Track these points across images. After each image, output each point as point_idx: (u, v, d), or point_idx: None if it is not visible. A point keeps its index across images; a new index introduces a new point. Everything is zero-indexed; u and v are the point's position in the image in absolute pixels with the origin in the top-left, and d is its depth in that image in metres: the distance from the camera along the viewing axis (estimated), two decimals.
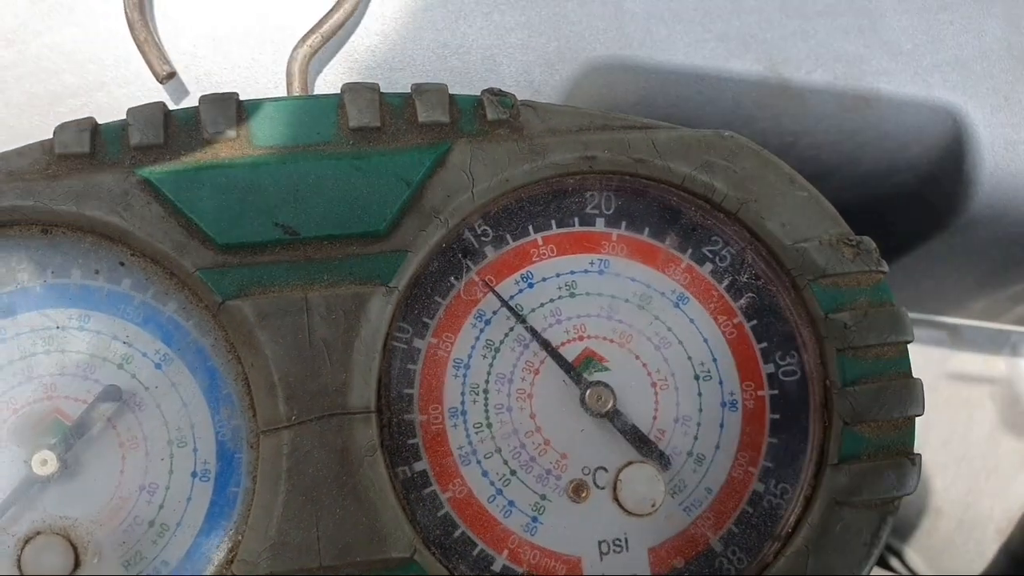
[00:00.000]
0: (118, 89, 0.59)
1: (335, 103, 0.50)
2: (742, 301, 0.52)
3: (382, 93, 0.50)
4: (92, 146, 0.48)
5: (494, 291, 0.50)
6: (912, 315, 0.52)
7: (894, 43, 0.64)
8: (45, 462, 0.47)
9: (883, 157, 0.67)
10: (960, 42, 0.65)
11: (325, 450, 0.46)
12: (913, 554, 1.00)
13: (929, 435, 0.80)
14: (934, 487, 0.94)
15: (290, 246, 0.48)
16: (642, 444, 0.50)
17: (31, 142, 0.48)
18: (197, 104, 0.49)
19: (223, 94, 0.49)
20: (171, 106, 0.53)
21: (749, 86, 0.62)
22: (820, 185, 0.52)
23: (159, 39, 0.56)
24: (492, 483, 0.49)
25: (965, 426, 0.94)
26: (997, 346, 0.90)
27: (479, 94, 0.51)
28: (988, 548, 0.96)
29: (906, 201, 0.71)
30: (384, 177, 0.49)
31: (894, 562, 1.05)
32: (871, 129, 0.64)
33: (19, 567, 0.46)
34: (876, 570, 1.12)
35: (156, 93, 0.58)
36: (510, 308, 0.50)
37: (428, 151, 0.49)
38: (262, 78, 0.58)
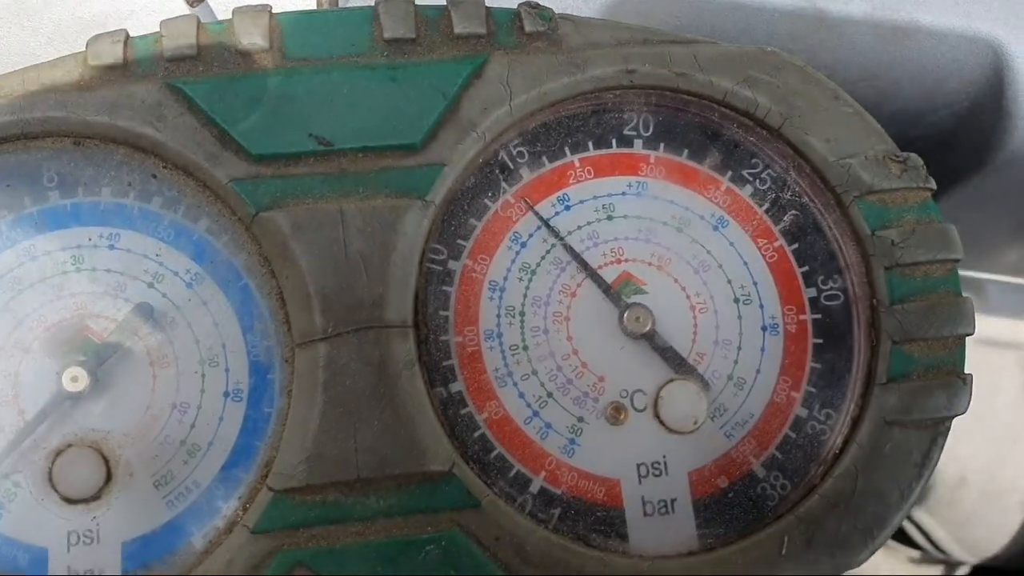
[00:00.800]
0: (147, 17, 0.58)
1: (369, 15, 0.49)
2: (783, 223, 0.51)
3: (417, 5, 0.49)
4: (125, 57, 0.47)
5: (533, 209, 0.50)
6: None
7: None
8: (75, 378, 0.47)
9: (920, 93, 0.66)
10: None
11: (362, 362, 0.45)
12: (934, 524, 0.99)
13: None
14: (958, 454, 0.92)
15: (325, 157, 0.47)
16: (680, 365, 0.49)
17: None
18: (231, 17, 0.48)
19: (256, 6, 0.48)
20: None
21: (785, 16, 0.61)
22: None
23: None
24: (528, 405, 0.49)
25: (991, 392, 0.92)
26: None
27: (517, 6, 0.50)
28: (1012, 519, 0.95)
29: (942, 141, 0.70)
30: (419, 88, 0.48)
31: (914, 533, 1.03)
32: (908, 63, 0.63)
33: (51, 480, 0.45)
34: (895, 544, 1.10)
35: None
36: (549, 227, 0.50)
37: (464, 62, 0.49)
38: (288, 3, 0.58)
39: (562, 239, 0.50)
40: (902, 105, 0.67)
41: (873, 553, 0.47)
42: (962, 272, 0.85)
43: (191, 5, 0.53)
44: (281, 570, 0.43)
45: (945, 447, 0.48)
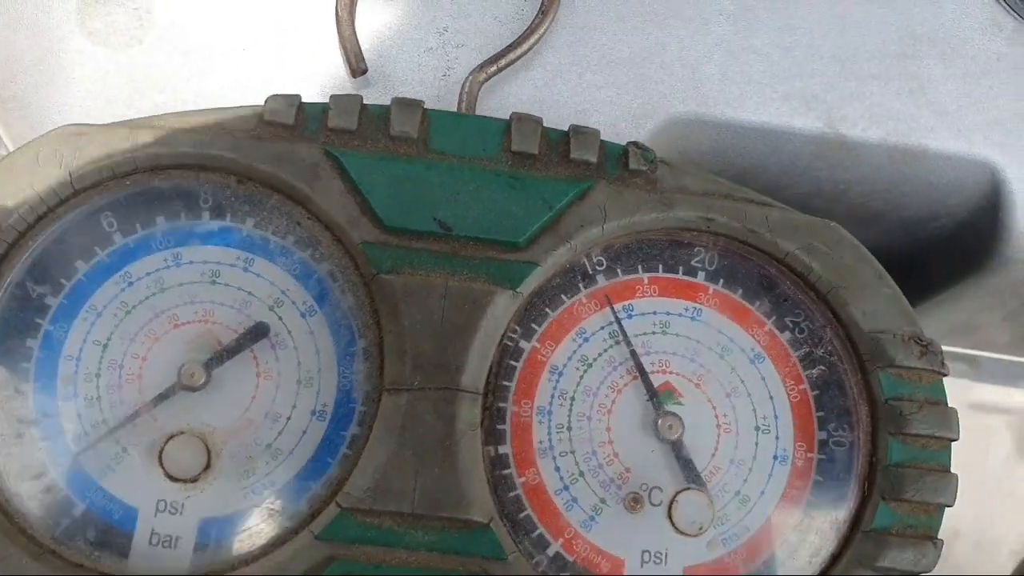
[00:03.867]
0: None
1: (503, 127, 0.57)
2: (812, 371, 0.57)
3: (544, 127, 0.57)
4: (296, 119, 0.56)
5: (611, 307, 0.56)
6: (944, 348, 0.57)
7: (940, 104, 0.69)
8: (194, 374, 0.53)
9: (925, 205, 0.72)
10: (999, 105, 0.70)
11: (436, 417, 0.52)
12: None
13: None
14: (953, 510, 0.99)
15: (442, 239, 0.54)
16: (694, 477, 0.55)
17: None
18: (390, 103, 0.56)
19: (412, 100, 0.56)
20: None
21: (809, 140, 0.68)
22: (868, 228, 0.57)
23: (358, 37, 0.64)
24: (562, 478, 0.55)
25: (983, 453, 0.98)
26: (1015, 378, 0.95)
27: (626, 144, 0.58)
28: (1003, 568, 1.00)
29: (944, 244, 0.76)
30: (532, 198, 0.55)
31: None
32: (917, 180, 0.70)
33: (160, 458, 0.52)
34: None
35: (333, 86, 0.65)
36: (620, 325, 0.56)
37: (573, 184, 0.56)
38: (424, 90, 0.66)
39: (627, 339, 0.56)
40: (910, 215, 0.73)
41: None
42: (959, 349, 0.95)
43: (354, 75, 0.62)
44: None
45: None
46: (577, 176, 0.56)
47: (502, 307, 0.54)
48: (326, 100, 0.56)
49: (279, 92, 0.56)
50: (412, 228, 0.54)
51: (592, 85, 0.67)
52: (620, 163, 0.57)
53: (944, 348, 0.56)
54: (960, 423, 0.55)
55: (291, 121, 0.55)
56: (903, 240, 0.63)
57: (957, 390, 0.91)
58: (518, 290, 0.55)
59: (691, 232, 0.57)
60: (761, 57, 0.69)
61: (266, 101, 0.56)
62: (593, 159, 0.56)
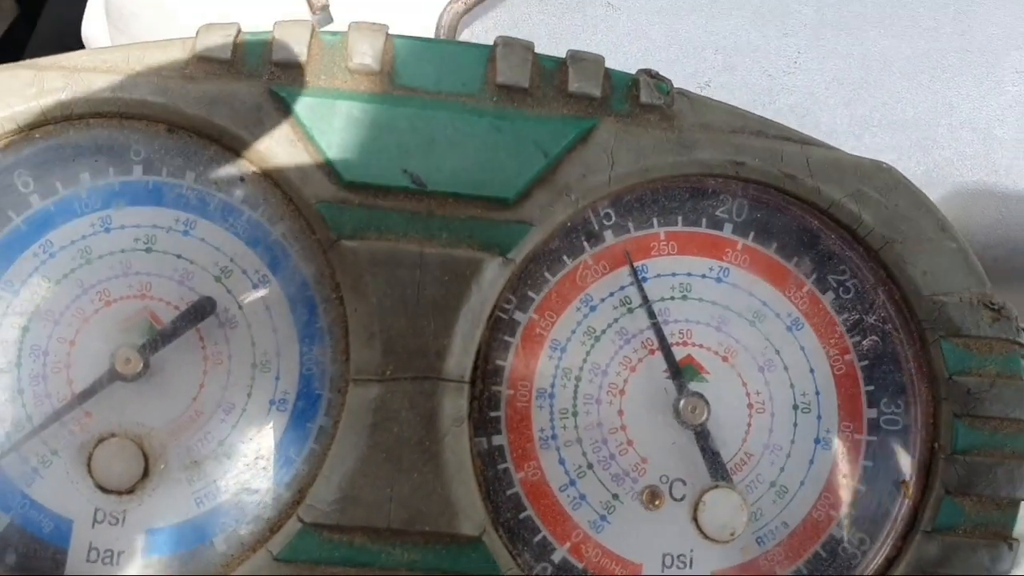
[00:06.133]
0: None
1: (486, 55, 0.48)
2: (860, 340, 0.50)
3: (536, 54, 0.48)
4: (233, 52, 0.47)
5: (631, 265, 0.49)
6: None
7: None
8: (128, 360, 0.47)
9: None
10: None
11: (413, 412, 0.45)
12: None
13: None
14: None
15: (414, 196, 0.47)
16: (720, 472, 0.49)
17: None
18: (347, 29, 0.47)
19: (374, 23, 0.48)
20: None
21: None
22: None
23: None
24: (567, 472, 0.49)
25: None
26: None
27: (636, 72, 0.49)
28: None
29: None
30: (522, 143, 0.47)
31: None
32: None
33: (89, 467, 0.46)
34: None
35: None
36: (640, 287, 0.49)
37: (573, 123, 0.48)
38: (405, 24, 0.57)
39: (649, 304, 0.49)
40: None
41: None
42: None
43: (314, 12, 0.52)
44: None
45: None
46: (578, 113, 0.49)
47: (490, 278, 0.47)
48: None
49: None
50: (377, 183, 0.47)
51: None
52: (629, 96, 0.49)
53: None
54: None
55: (227, 55, 0.47)
56: None
57: None
58: (509, 256, 0.47)
59: (716, 178, 0.50)
60: None
61: (198, 32, 0.47)
62: (596, 92, 0.48)
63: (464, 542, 0.45)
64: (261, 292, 0.49)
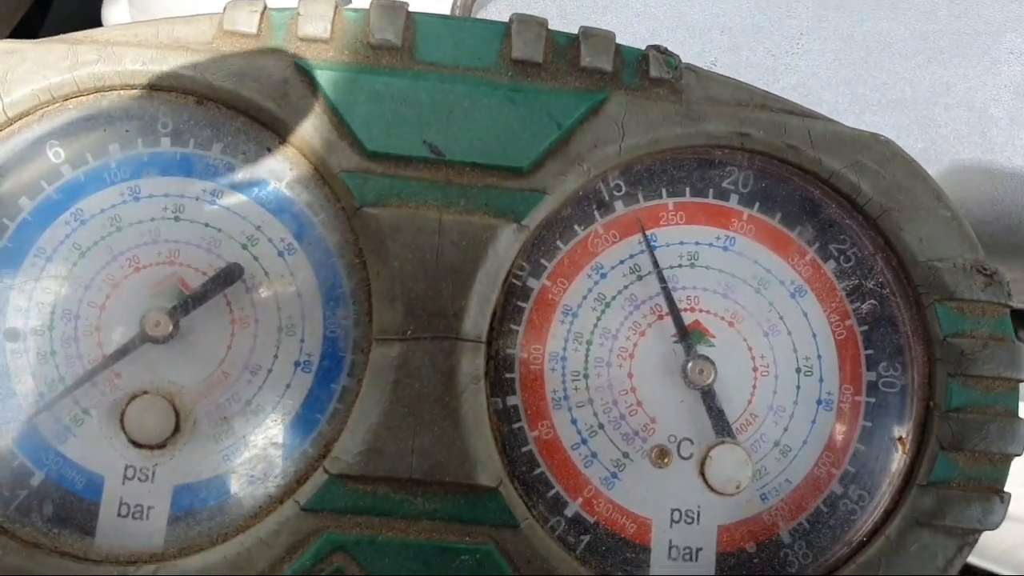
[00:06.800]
0: None
1: (502, 30, 0.50)
2: (860, 305, 0.52)
3: (550, 30, 0.50)
4: (259, 28, 0.48)
5: (644, 234, 0.51)
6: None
7: None
8: (158, 323, 0.48)
9: None
10: None
11: (433, 370, 0.47)
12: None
13: None
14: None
15: (434, 165, 0.48)
16: (724, 430, 0.50)
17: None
18: (368, 7, 0.49)
19: (395, 2, 0.49)
20: None
21: None
22: None
23: None
24: (579, 432, 0.50)
25: None
26: None
27: (646, 48, 0.50)
28: None
29: None
30: (536, 114, 0.49)
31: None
32: None
33: (122, 422, 0.47)
34: None
35: None
36: (652, 255, 0.51)
37: (585, 96, 0.49)
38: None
39: (660, 271, 0.51)
40: None
41: None
42: None
43: None
44: (324, 550, 0.45)
45: None
46: (589, 87, 0.50)
47: (505, 243, 0.48)
48: None
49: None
50: (398, 153, 0.48)
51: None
52: (639, 71, 0.50)
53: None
54: None
55: (254, 30, 0.48)
56: None
57: None
58: (524, 223, 0.49)
59: (722, 149, 0.51)
60: None
61: (225, 8, 0.48)
62: (608, 66, 0.50)
63: (482, 492, 0.46)
64: (287, 259, 0.50)
